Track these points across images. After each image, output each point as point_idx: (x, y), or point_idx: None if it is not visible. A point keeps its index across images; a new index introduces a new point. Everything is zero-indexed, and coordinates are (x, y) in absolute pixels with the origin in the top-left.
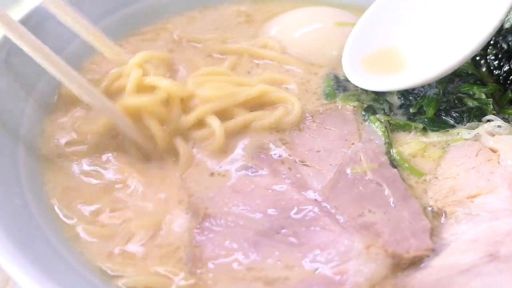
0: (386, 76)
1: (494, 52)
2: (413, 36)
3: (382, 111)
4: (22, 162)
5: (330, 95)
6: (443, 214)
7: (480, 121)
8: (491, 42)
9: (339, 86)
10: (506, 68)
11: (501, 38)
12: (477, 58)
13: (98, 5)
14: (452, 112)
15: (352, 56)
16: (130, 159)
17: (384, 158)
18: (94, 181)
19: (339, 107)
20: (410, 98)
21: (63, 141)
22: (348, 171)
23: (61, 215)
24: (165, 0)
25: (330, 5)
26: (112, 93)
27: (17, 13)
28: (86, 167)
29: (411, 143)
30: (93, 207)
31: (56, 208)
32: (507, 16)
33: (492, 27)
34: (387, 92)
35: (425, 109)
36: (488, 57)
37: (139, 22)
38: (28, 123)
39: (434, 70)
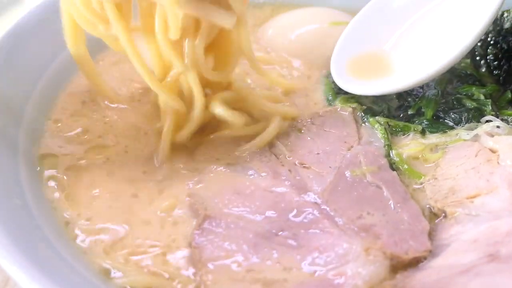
0: (371, 80)
1: (494, 52)
2: (400, 41)
3: (381, 113)
4: (22, 162)
5: (332, 100)
6: (443, 214)
7: (478, 122)
8: (491, 42)
9: (340, 88)
10: (506, 68)
11: (501, 38)
12: (477, 58)
13: None
14: (451, 113)
15: (339, 59)
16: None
17: (384, 161)
18: (95, 180)
19: (338, 109)
20: (409, 99)
21: (63, 140)
22: (348, 173)
23: (61, 215)
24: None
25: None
26: None
27: (17, 13)
28: (87, 166)
29: (410, 144)
30: (93, 206)
31: (56, 207)
32: (507, 16)
33: (478, 31)
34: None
35: (423, 110)
36: (488, 57)
37: None
38: (28, 123)
39: (419, 75)
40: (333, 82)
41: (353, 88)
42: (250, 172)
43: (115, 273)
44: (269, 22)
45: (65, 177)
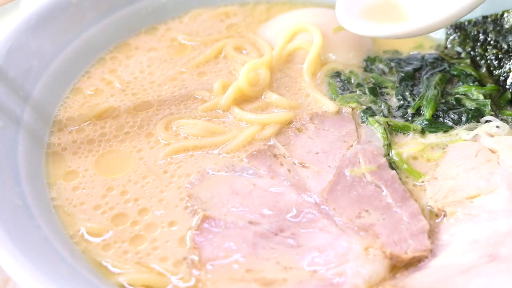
0: (385, 24)
1: (494, 52)
2: None
3: (381, 113)
4: (22, 162)
5: (333, 100)
6: (443, 214)
7: (478, 122)
8: (491, 42)
9: (339, 88)
10: (506, 68)
11: (501, 38)
12: (477, 58)
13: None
14: (451, 113)
15: (350, 5)
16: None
17: (383, 160)
18: (95, 179)
19: (338, 109)
20: (409, 99)
21: (62, 140)
22: (347, 173)
23: (61, 215)
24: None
25: (324, 6)
26: None
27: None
28: (86, 165)
29: (410, 144)
30: (93, 206)
31: (55, 207)
32: (507, 16)
33: None
34: (385, 93)
35: (423, 110)
36: (488, 57)
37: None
38: (28, 123)
39: (432, 19)
40: (338, 82)
41: (366, 30)
42: (249, 172)
43: (114, 272)
44: (268, 21)
45: (66, 176)
